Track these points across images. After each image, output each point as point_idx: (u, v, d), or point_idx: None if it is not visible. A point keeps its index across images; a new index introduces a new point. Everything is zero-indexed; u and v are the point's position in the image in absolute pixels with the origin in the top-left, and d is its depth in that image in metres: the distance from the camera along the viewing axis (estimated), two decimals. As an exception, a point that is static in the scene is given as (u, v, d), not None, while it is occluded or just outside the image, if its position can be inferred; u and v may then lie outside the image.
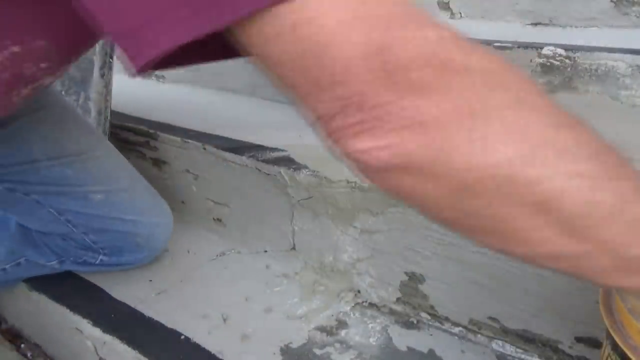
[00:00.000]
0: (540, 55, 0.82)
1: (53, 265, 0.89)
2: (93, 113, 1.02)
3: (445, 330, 0.76)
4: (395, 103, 0.31)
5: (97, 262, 0.88)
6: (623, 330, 0.43)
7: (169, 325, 0.79)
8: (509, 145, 0.32)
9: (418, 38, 0.31)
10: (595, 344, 0.64)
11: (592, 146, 0.33)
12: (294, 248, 0.91)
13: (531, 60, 0.83)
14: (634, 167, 0.34)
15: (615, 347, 0.44)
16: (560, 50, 0.81)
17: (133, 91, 1.30)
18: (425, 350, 0.73)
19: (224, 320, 0.80)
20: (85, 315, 0.80)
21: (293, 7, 0.31)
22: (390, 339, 0.76)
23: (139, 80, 1.33)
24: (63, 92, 1.01)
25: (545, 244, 0.34)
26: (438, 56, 0.31)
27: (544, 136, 0.32)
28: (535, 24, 0.96)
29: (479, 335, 0.74)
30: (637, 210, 0.33)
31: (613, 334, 0.43)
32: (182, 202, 1.05)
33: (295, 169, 0.84)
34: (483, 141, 0.31)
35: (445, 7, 1.06)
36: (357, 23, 0.31)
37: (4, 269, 0.88)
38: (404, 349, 0.74)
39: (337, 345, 0.75)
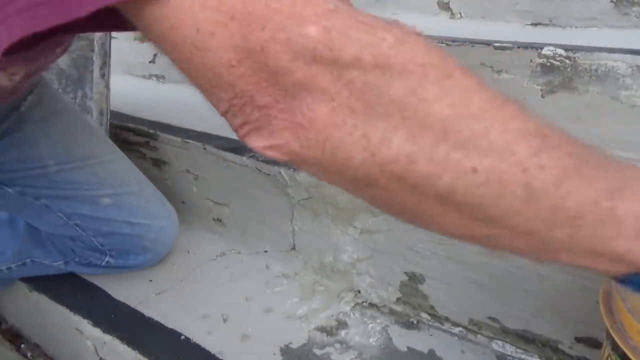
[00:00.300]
0: (540, 56, 0.82)
1: (59, 265, 0.89)
2: (95, 113, 1.03)
3: (445, 331, 0.76)
4: (273, 106, 0.32)
5: (103, 263, 0.88)
6: (623, 330, 0.43)
7: (169, 325, 0.79)
8: (395, 142, 0.30)
9: (296, 37, 0.30)
10: (595, 344, 0.64)
11: (503, 132, 0.30)
12: (294, 248, 0.91)
13: (531, 61, 0.83)
14: (559, 144, 0.32)
15: (615, 347, 0.44)
16: (560, 51, 0.81)
17: (133, 91, 1.30)
18: (425, 351, 0.73)
19: (224, 320, 0.80)
20: (86, 315, 0.80)
21: (167, 9, 0.31)
22: (391, 339, 0.76)
23: (139, 80, 1.33)
24: (60, 91, 1.01)
25: (451, 227, 0.34)
26: (316, 55, 0.30)
27: (441, 131, 0.30)
28: (535, 24, 0.96)
29: (479, 336, 0.74)
30: (551, 201, 0.31)
31: (613, 334, 0.43)
32: (182, 202, 1.05)
33: (295, 169, 0.84)
34: (366, 139, 0.31)
35: (445, 7, 1.06)
36: (234, 24, 0.30)
37: (10, 268, 0.89)
38: (404, 349, 0.74)
39: (337, 345, 0.75)
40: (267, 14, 0.30)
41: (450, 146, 0.30)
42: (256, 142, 0.33)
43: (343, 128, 0.31)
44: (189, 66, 0.33)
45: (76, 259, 0.89)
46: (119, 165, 0.90)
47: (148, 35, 0.34)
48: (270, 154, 0.33)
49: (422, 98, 0.30)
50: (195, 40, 0.31)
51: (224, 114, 0.34)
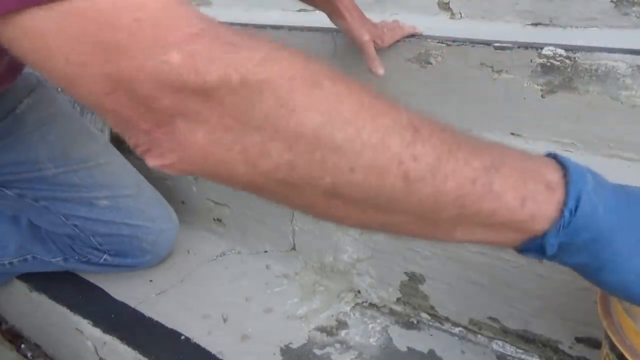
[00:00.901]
0: (540, 56, 0.82)
1: (58, 262, 0.90)
2: None
3: (445, 331, 0.76)
4: (156, 131, 0.32)
5: (101, 261, 0.89)
6: (620, 330, 0.43)
7: (169, 325, 0.79)
8: (274, 153, 0.32)
9: (160, 65, 0.30)
10: (595, 344, 0.64)
11: (374, 130, 0.32)
12: (294, 248, 0.91)
13: (531, 61, 0.83)
14: (431, 134, 0.34)
15: (612, 347, 0.44)
16: (560, 51, 0.81)
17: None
18: (425, 351, 0.73)
19: (224, 320, 0.80)
20: (86, 315, 0.80)
21: (33, 34, 0.31)
22: (391, 339, 0.75)
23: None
24: (60, 89, 1.01)
25: (348, 219, 0.36)
26: (183, 81, 0.30)
27: (314, 137, 0.32)
28: (536, 24, 0.96)
29: (479, 336, 0.74)
30: (432, 185, 0.33)
31: (611, 335, 0.43)
32: (182, 202, 1.05)
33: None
34: (244, 153, 0.32)
35: (445, 7, 1.06)
36: (102, 55, 0.30)
37: (12, 263, 0.90)
38: (404, 349, 0.74)
39: (337, 345, 0.75)
40: (132, 42, 0.30)
41: (326, 151, 0.32)
42: (151, 162, 0.34)
43: (222, 145, 0.32)
44: (73, 93, 0.33)
45: (75, 257, 0.90)
46: (116, 167, 0.90)
47: (24, 60, 0.33)
48: (165, 171, 0.34)
49: (292, 109, 0.31)
50: (68, 70, 0.31)
51: (120, 134, 0.35)
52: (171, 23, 0.31)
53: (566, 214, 0.34)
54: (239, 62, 0.31)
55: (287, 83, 0.31)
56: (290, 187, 0.33)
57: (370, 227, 0.37)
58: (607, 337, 0.44)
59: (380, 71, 0.87)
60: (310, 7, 1.27)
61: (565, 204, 0.34)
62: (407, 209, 0.34)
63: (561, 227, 0.34)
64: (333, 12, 0.85)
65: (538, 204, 0.34)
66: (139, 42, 0.30)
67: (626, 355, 0.41)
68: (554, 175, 0.36)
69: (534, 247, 0.36)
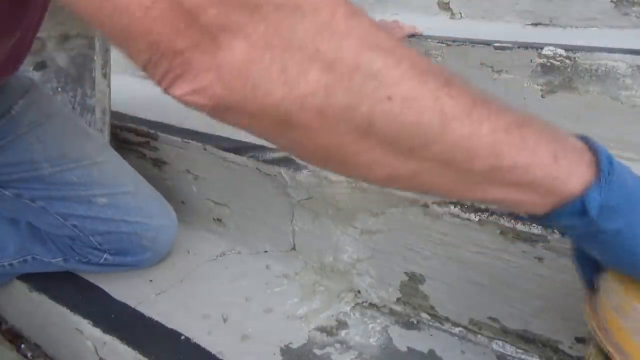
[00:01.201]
0: (540, 56, 0.82)
1: (58, 262, 0.90)
2: (98, 113, 1.03)
3: (445, 331, 0.76)
4: (193, 49, 0.31)
5: (101, 261, 0.89)
6: (606, 328, 0.43)
7: (169, 325, 0.79)
8: (312, 74, 0.31)
9: None
10: (595, 344, 0.64)
11: (412, 67, 0.32)
12: (294, 248, 0.91)
13: (531, 61, 0.83)
14: (464, 85, 0.34)
15: (598, 345, 0.43)
16: (560, 51, 0.81)
17: (133, 91, 1.30)
18: (425, 351, 0.73)
19: (224, 320, 0.80)
20: (86, 315, 0.80)
21: None
22: (391, 339, 0.76)
23: (139, 80, 1.33)
24: (59, 89, 1.02)
25: (376, 166, 0.34)
26: None
27: (354, 61, 0.31)
28: (536, 24, 0.96)
29: (479, 336, 0.74)
30: (469, 128, 0.33)
31: (598, 332, 0.43)
32: (182, 202, 1.05)
33: (295, 169, 0.84)
34: (284, 73, 0.31)
35: (445, 7, 1.06)
36: None
37: (11, 264, 0.90)
38: (404, 349, 0.74)
39: (337, 345, 0.75)
40: None
41: (364, 76, 0.31)
42: (180, 89, 0.33)
43: (261, 63, 0.31)
44: (102, 15, 0.32)
45: (75, 257, 0.90)
46: (114, 166, 0.90)
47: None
48: (195, 99, 0.32)
49: (333, 32, 0.31)
50: None
51: (144, 66, 0.33)
52: None
53: (605, 170, 0.34)
54: None
55: (329, 7, 0.31)
56: (323, 121, 0.32)
57: (399, 180, 0.36)
58: (594, 334, 0.44)
59: None
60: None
61: (599, 162, 0.35)
62: (442, 152, 0.33)
63: (603, 185, 0.34)
64: None
65: (571, 163, 0.34)
66: None
67: (612, 352, 0.41)
68: (577, 141, 0.37)
69: (570, 210, 0.35)
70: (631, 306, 0.39)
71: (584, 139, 0.38)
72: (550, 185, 0.34)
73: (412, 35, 0.94)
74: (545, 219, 0.37)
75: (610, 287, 0.42)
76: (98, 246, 0.88)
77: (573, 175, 0.34)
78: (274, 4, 0.31)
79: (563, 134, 0.36)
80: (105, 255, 0.89)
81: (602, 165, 0.35)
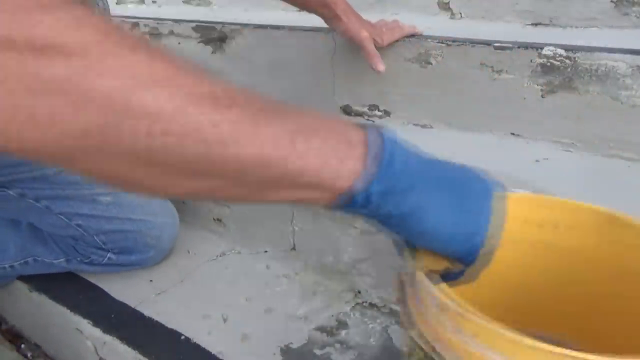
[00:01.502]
0: (540, 56, 0.82)
1: (61, 263, 0.90)
2: None
3: (445, 331, 0.76)
4: None
5: (105, 261, 0.89)
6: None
7: (169, 325, 0.79)
8: (64, 117, 0.30)
9: None
10: (595, 344, 0.64)
11: (187, 97, 0.32)
12: (294, 248, 0.91)
13: (531, 61, 0.83)
14: (246, 103, 0.34)
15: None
16: (560, 51, 0.81)
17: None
18: (425, 351, 0.73)
19: (224, 320, 0.80)
20: (86, 315, 0.80)
21: None
22: (391, 339, 0.75)
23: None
24: None
25: (171, 187, 0.35)
26: None
27: (124, 101, 0.30)
28: (536, 24, 0.96)
29: (479, 336, 0.74)
30: (249, 148, 0.34)
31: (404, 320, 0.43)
32: (183, 202, 1.05)
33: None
34: (32, 118, 0.29)
35: (445, 7, 1.06)
36: None
37: (12, 266, 0.90)
38: (404, 349, 0.74)
39: (337, 345, 0.75)
40: None
41: (136, 115, 0.30)
42: None
43: (8, 109, 0.29)
44: None
45: (78, 258, 0.90)
46: None
47: None
48: None
49: (101, 72, 0.30)
50: None
51: None
52: None
53: (369, 164, 0.37)
54: (29, 25, 0.29)
55: (99, 46, 0.30)
56: (97, 155, 0.32)
57: (199, 195, 0.38)
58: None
59: (381, 67, 0.87)
60: (310, 7, 1.27)
61: (367, 156, 0.37)
62: (214, 174, 0.35)
63: (377, 176, 0.37)
64: (330, 16, 0.86)
65: (341, 160, 0.37)
66: None
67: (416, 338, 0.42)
68: (357, 134, 0.38)
69: (354, 201, 0.38)
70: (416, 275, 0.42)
71: (368, 131, 0.39)
72: (324, 185, 0.37)
73: (412, 35, 0.94)
74: (340, 210, 0.39)
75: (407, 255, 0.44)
76: (102, 245, 0.88)
77: (341, 173, 0.37)
78: (14, 49, 0.28)
79: (345, 131, 0.38)
80: (108, 255, 0.89)
81: (369, 158, 0.37)
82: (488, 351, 0.36)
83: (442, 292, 0.39)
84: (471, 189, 0.42)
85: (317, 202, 0.39)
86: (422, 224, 0.40)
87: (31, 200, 0.72)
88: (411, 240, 0.43)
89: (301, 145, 0.35)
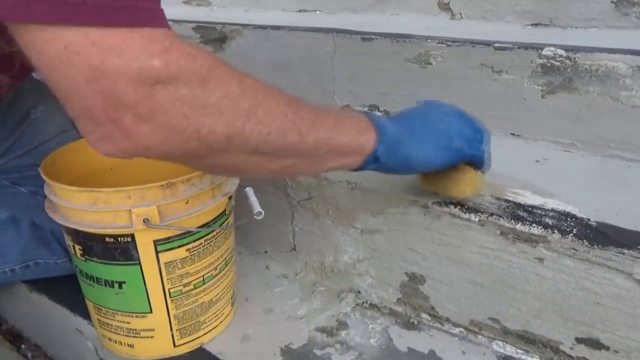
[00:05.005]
0: (540, 56, 0.82)
1: (64, 263, 0.89)
2: None
3: (445, 331, 0.76)
4: (117, 121, 0.41)
5: None
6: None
7: (169, 325, 0.79)
8: (217, 130, 0.45)
9: (145, 66, 0.40)
10: (596, 345, 0.64)
11: (280, 106, 0.50)
12: (294, 249, 0.91)
13: (531, 61, 0.83)
14: (307, 106, 0.53)
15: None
16: (560, 51, 0.81)
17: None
18: (425, 351, 0.73)
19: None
20: (86, 315, 0.80)
21: (35, 27, 0.39)
22: (391, 339, 0.76)
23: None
24: None
25: (260, 169, 0.52)
26: (157, 79, 0.41)
27: (245, 115, 0.46)
28: (536, 25, 0.96)
29: (480, 336, 0.74)
30: (313, 135, 0.52)
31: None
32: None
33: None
34: (197, 132, 0.44)
35: (446, 7, 1.06)
36: (82, 49, 0.39)
37: (13, 270, 0.90)
38: (404, 349, 0.74)
39: (338, 346, 0.75)
40: (123, 46, 0.40)
41: (253, 123, 0.47)
42: (104, 148, 0.43)
43: (178, 129, 0.43)
44: (52, 74, 0.41)
45: None
46: None
47: (18, 38, 0.41)
48: (118, 153, 0.44)
49: (232, 98, 0.46)
50: (62, 55, 0.39)
51: (75, 119, 0.43)
52: (155, 37, 0.41)
53: (380, 133, 0.58)
54: (195, 68, 0.43)
55: (227, 81, 0.45)
56: (224, 153, 0.48)
57: (276, 173, 0.54)
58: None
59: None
60: (310, 7, 1.27)
61: (377, 129, 0.58)
62: (300, 153, 0.53)
63: (381, 141, 0.58)
64: None
65: (365, 134, 0.57)
66: (130, 46, 0.40)
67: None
68: (363, 117, 0.59)
69: (370, 161, 0.59)
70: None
71: (366, 114, 0.59)
72: (361, 150, 0.57)
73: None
74: (359, 169, 0.60)
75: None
76: None
77: (369, 141, 0.58)
78: (189, 85, 0.42)
79: (355, 115, 0.59)
80: None
81: (379, 130, 0.58)
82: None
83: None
84: (437, 123, 0.64)
85: (351, 165, 0.59)
86: (419, 163, 0.62)
87: (41, 198, 0.73)
88: (409, 173, 0.67)
89: (341, 128, 0.55)
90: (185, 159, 0.48)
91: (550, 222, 0.64)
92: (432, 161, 0.63)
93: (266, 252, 0.96)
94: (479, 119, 0.67)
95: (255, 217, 0.69)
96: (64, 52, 0.39)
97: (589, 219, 0.64)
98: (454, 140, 0.63)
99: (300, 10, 1.28)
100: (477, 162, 0.66)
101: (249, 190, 0.73)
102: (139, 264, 0.66)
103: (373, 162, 0.59)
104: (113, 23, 0.40)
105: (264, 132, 0.48)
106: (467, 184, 0.66)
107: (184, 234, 0.67)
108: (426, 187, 0.70)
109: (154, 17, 0.42)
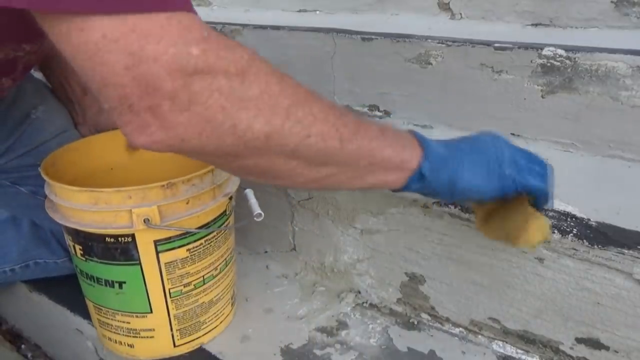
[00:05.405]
0: (540, 56, 0.82)
1: (64, 262, 0.89)
2: None
3: (445, 331, 0.76)
4: (154, 110, 0.40)
5: None
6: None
7: (169, 325, 0.79)
8: (255, 127, 0.43)
9: (183, 54, 0.39)
10: (596, 344, 0.64)
11: (320, 111, 0.47)
12: (294, 249, 0.91)
13: (531, 61, 0.83)
14: (348, 114, 0.50)
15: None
16: (560, 51, 0.81)
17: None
18: (425, 351, 0.73)
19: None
20: (86, 315, 0.80)
21: (69, 17, 0.39)
22: (391, 339, 0.76)
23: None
24: None
25: (297, 176, 0.50)
26: (196, 68, 0.40)
27: (286, 113, 0.45)
28: (536, 25, 0.96)
29: (480, 336, 0.74)
30: (355, 144, 0.50)
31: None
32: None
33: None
34: (234, 127, 0.42)
35: (446, 7, 1.06)
36: (134, 36, 0.39)
37: (13, 270, 0.90)
38: (404, 349, 0.74)
39: (338, 346, 0.75)
40: (161, 32, 0.39)
41: (292, 123, 0.45)
42: (139, 138, 0.42)
43: (215, 122, 0.42)
44: (88, 64, 0.40)
45: None
46: None
47: (49, 30, 0.40)
48: (152, 145, 0.42)
49: (271, 94, 0.44)
50: (100, 43, 0.39)
51: (111, 110, 0.42)
52: (191, 25, 0.40)
53: (426, 149, 0.54)
54: (235, 59, 0.42)
55: (264, 76, 0.44)
56: (261, 154, 0.46)
57: (312, 183, 0.52)
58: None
59: None
60: (310, 7, 1.27)
61: (422, 146, 0.54)
62: (340, 162, 0.50)
63: (427, 158, 0.54)
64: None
65: (410, 149, 0.54)
66: (168, 33, 0.39)
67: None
68: (407, 133, 0.56)
69: (414, 179, 0.54)
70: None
71: (410, 132, 0.56)
72: (405, 165, 0.54)
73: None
74: (403, 189, 0.56)
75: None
76: None
77: (414, 157, 0.54)
78: (227, 77, 0.41)
79: (400, 131, 0.55)
80: None
81: (425, 147, 0.54)
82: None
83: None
84: (488, 149, 0.58)
85: (393, 183, 0.55)
86: (457, 184, 0.56)
87: (41, 198, 0.73)
88: (454, 198, 0.59)
89: (385, 140, 0.52)
90: (219, 156, 0.46)
91: (550, 222, 0.64)
92: (480, 186, 0.56)
93: (266, 252, 0.96)
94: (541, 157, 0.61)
95: (255, 218, 0.69)
96: (101, 40, 0.38)
97: (589, 219, 0.64)
98: (512, 169, 0.56)
99: (300, 10, 1.28)
100: (537, 197, 0.58)
101: (249, 192, 0.73)
102: (140, 264, 0.66)
103: (417, 180, 0.54)
104: (148, 8, 0.39)
105: (304, 134, 0.46)
106: (536, 229, 0.57)
107: (184, 234, 0.67)
108: (485, 232, 0.63)
109: (185, 2, 0.41)
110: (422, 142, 0.55)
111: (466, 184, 0.55)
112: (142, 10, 0.39)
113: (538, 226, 0.57)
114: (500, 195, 0.57)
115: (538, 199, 0.58)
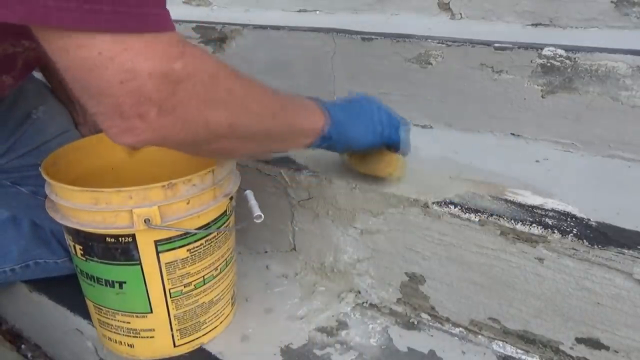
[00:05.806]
0: (540, 56, 0.82)
1: (65, 262, 0.89)
2: None
3: (445, 331, 0.76)
4: (143, 115, 0.47)
5: None
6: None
7: (170, 325, 0.79)
8: (222, 120, 0.53)
9: (155, 67, 0.45)
10: (596, 345, 0.64)
11: (267, 100, 0.60)
12: (294, 249, 0.91)
13: (531, 61, 0.83)
14: (279, 96, 0.62)
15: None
16: (560, 51, 0.81)
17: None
18: (425, 351, 0.73)
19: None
20: (86, 315, 0.80)
21: (67, 33, 0.43)
22: (391, 339, 0.76)
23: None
24: None
25: (250, 150, 0.63)
26: (169, 80, 0.46)
27: (243, 102, 0.55)
28: (536, 25, 0.96)
29: (480, 336, 0.74)
30: (286, 120, 0.63)
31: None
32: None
33: (295, 170, 0.84)
34: (205, 122, 0.52)
35: (446, 7, 1.07)
36: (128, 54, 0.44)
37: (13, 270, 0.90)
38: (404, 349, 0.74)
39: (338, 346, 0.75)
40: (149, 51, 0.45)
41: (250, 114, 0.56)
42: (126, 139, 0.48)
43: (192, 121, 0.50)
44: (85, 77, 0.45)
45: None
46: None
47: (45, 42, 0.44)
48: (139, 144, 0.49)
49: (236, 94, 0.54)
50: (97, 60, 0.44)
51: (99, 114, 0.48)
52: (172, 42, 0.47)
53: (331, 117, 0.68)
54: (208, 67, 0.51)
55: (230, 79, 0.54)
56: (222, 139, 0.55)
57: (251, 153, 0.70)
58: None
59: None
60: (310, 7, 1.27)
61: (325, 111, 0.68)
62: (273, 135, 0.62)
63: (332, 124, 0.68)
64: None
65: (317, 117, 0.67)
66: (155, 51, 0.45)
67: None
68: (313, 102, 0.68)
69: (321, 138, 0.68)
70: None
71: (314, 99, 0.69)
72: (314, 130, 0.67)
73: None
74: (311, 146, 0.69)
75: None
76: None
77: (319, 122, 0.67)
78: (199, 80, 0.49)
79: (307, 99, 0.68)
80: None
81: (330, 114, 0.68)
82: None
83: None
84: (367, 112, 0.74)
85: (306, 143, 0.68)
86: (354, 142, 0.73)
87: (41, 198, 0.73)
88: (352, 151, 0.77)
89: (303, 112, 0.66)
90: (191, 145, 0.54)
91: (550, 222, 0.64)
92: (364, 142, 0.73)
93: (266, 252, 0.96)
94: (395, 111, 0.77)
95: (255, 220, 0.69)
96: (98, 57, 0.43)
97: (589, 219, 0.64)
98: (380, 127, 0.74)
99: (300, 10, 1.28)
100: (394, 146, 0.76)
101: (249, 193, 0.73)
102: (140, 264, 0.66)
103: (323, 140, 0.68)
104: (138, 29, 0.45)
105: (256, 121, 0.58)
106: (388, 164, 0.76)
107: (185, 234, 0.67)
108: (357, 169, 0.79)
109: (165, 21, 0.47)
110: (325, 109, 0.68)
111: (356, 141, 0.73)
112: (132, 30, 0.44)
113: (391, 160, 0.76)
114: (374, 146, 0.75)
115: (395, 147, 0.76)
